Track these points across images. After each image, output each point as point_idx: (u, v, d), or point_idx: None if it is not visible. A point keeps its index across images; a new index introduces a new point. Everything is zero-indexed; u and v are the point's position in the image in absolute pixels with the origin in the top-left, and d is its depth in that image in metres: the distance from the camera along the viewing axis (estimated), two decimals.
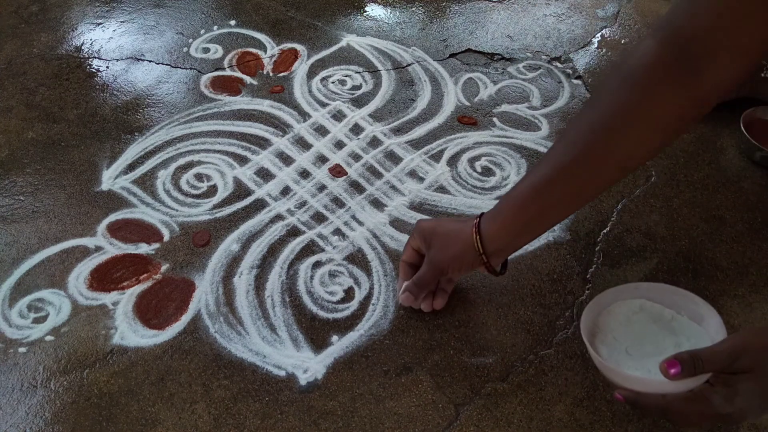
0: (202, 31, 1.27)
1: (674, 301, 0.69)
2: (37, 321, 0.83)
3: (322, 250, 0.90)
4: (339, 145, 1.05)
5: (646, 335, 0.68)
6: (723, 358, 0.56)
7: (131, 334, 0.82)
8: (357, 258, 0.89)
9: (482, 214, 0.74)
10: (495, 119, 1.08)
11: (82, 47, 1.24)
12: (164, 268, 0.88)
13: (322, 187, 0.98)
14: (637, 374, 0.64)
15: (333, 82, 1.15)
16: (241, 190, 0.98)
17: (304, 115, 1.10)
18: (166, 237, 0.92)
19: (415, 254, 0.80)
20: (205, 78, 1.17)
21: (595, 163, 0.65)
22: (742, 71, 0.59)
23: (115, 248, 0.91)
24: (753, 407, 0.55)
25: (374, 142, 1.05)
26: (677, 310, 0.69)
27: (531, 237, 0.76)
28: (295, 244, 0.91)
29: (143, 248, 0.91)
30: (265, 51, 1.22)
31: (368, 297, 0.85)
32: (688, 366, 0.56)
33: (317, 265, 0.89)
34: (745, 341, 0.57)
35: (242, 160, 1.02)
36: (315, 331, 0.81)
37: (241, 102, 1.12)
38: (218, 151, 1.04)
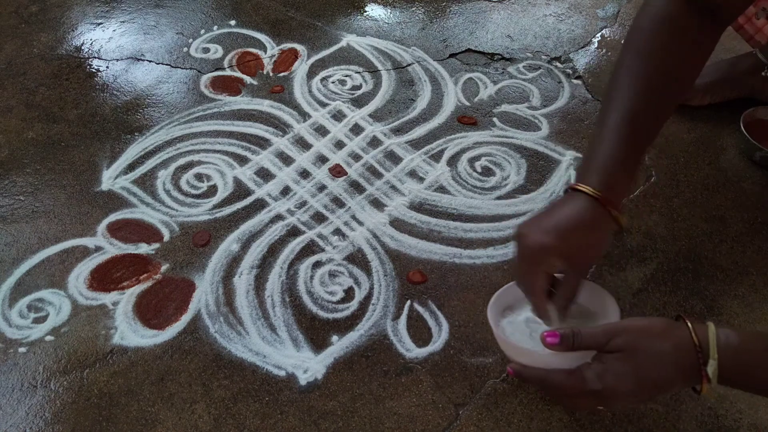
0: (202, 31, 1.27)
1: (582, 294, 0.69)
2: (37, 321, 0.83)
3: (322, 250, 0.90)
4: (339, 145, 1.05)
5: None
6: (600, 336, 0.59)
7: (131, 334, 0.82)
8: (357, 258, 0.89)
9: (572, 186, 0.68)
10: (495, 119, 1.08)
11: (82, 47, 1.24)
12: (164, 268, 0.88)
13: (322, 187, 0.98)
14: (525, 346, 0.66)
15: (333, 82, 1.15)
16: (241, 190, 0.98)
17: (304, 115, 1.10)
18: (166, 237, 0.92)
19: (547, 277, 0.68)
20: (205, 78, 1.17)
21: (662, 85, 0.71)
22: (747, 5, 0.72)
23: (115, 248, 0.91)
24: (622, 388, 0.57)
25: (374, 142, 1.05)
26: (583, 301, 0.70)
27: (634, 170, 0.71)
28: (295, 244, 0.91)
29: (143, 248, 0.91)
30: (265, 51, 1.22)
31: (368, 297, 0.85)
32: (567, 338, 0.59)
33: (317, 265, 0.89)
34: (624, 324, 0.60)
35: (242, 160, 1.02)
36: (315, 331, 0.81)
37: (241, 102, 1.12)
38: (218, 151, 1.04)
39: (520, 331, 0.69)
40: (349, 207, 0.96)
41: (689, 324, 0.57)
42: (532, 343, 0.67)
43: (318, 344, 0.80)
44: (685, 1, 0.69)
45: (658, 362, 0.56)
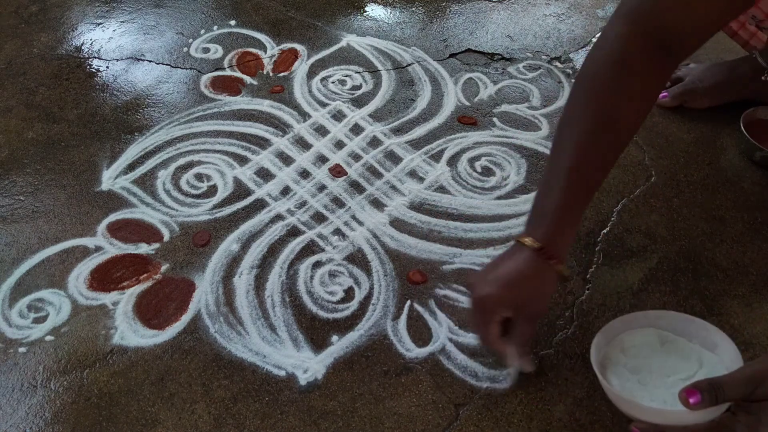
0: (202, 31, 1.27)
1: (685, 329, 0.69)
2: (37, 321, 0.83)
3: (322, 250, 0.90)
4: (339, 145, 1.05)
5: (658, 364, 0.67)
6: (743, 385, 0.55)
7: (131, 334, 0.82)
8: (357, 258, 0.89)
9: (516, 238, 0.71)
10: (495, 119, 1.08)
11: (82, 47, 1.24)
12: (164, 268, 0.88)
13: (322, 187, 0.98)
14: (655, 405, 0.62)
15: (333, 82, 1.15)
16: (241, 190, 0.98)
17: (304, 115, 1.10)
18: (166, 237, 0.92)
19: (500, 324, 0.71)
20: (205, 78, 1.17)
21: (606, 135, 0.70)
22: (702, 43, 0.70)
23: (115, 248, 0.91)
24: None
25: (374, 142, 1.05)
26: (688, 337, 0.69)
27: (578, 220, 0.73)
28: (295, 244, 0.91)
29: (143, 248, 0.91)
30: (265, 51, 1.22)
31: (368, 297, 0.85)
32: (709, 394, 0.55)
33: (317, 265, 0.89)
34: (766, 367, 0.56)
35: (242, 160, 1.03)
36: (315, 331, 0.81)
37: (241, 102, 1.12)
38: (218, 151, 1.04)
39: (629, 381, 0.66)
40: (349, 207, 0.96)
41: None
42: (645, 392, 0.65)
43: (318, 344, 0.80)
44: (639, 40, 0.67)
45: None
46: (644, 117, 0.72)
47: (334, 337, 0.81)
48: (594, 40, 1.23)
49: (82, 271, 0.88)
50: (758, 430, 0.54)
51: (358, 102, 1.12)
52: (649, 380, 0.66)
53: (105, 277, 0.87)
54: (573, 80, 0.81)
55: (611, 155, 0.71)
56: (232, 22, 1.28)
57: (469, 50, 1.21)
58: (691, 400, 0.56)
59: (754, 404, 0.55)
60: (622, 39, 0.68)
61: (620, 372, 0.68)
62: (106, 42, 1.25)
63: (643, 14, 0.66)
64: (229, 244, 0.91)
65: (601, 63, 0.70)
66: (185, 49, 1.23)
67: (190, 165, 1.02)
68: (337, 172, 1.01)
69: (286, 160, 1.03)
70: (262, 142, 1.05)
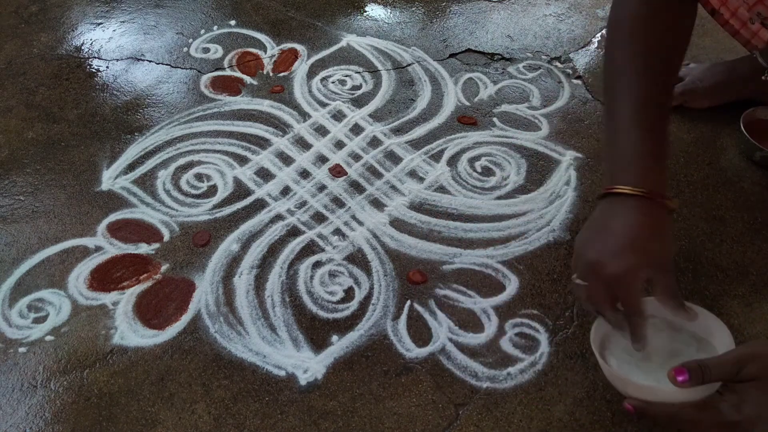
0: (202, 31, 1.27)
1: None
2: (37, 321, 0.83)
3: (322, 250, 0.90)
4: (339, 145, 1.05)
5: (655, 348, 0.68)
6: (730, 366, 0.56)
7: (131, 334, 0.82)
8: (357, 258, 0.89)
9: (612, 189, 0.67)
10: (495, 119, 1.08)
11: (82, 47, 1.24)
12: (164, 268, 0.88)
13: (322, 187, 0.99)
14: (647, 383, 0.63)
15: (333, 82, 1.15)
16: (241, 190, 0.98)
17: (304, 115, 1.10)
18: (166, 237, 0.92)
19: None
20: (205, 78, 1.17)
21: (662, 66, 0.72)
22: None
23: (115, 248, 0.91)
24: (762, 415, 0.55)
25: (374, 142, 1.05)
26: (688, 324, 0.69)
27: (665, 152, 0.71)
28: (295, 244, 0.91)
29: (143, 248, 0.91)
30: (265, 51, 1.22)
31: (368, 297, 0.85)
32: (696, 373, 0.56)
33: (317, 265, 0.89)
34: (753, 350, 0.57)
35: (242, 160, 1.03)
36: (315, 331, 0.81)
37: (241, 102, 1.12)
38: (218, 151, 1.04)
39: (626, 362, 0.67)
40: (349, 207, 0.96)
41: None
42: (641, 373, 0.65)
43: (318, 344, 0.80)
44: None
45: None
46: (688, 40, 0.74)
47: (334, 337, 0.81)
48: (594, 40, 1.24)
49: (82, 271, 0.88)
50: (742, 408, 0.55)
51: (358, 102, 1.12)
52: (645, 362, 0.67)
53: (105, 277, 0.87)
54: (604, 33, 0.84)
55: (671, 81, 0.73)
56: (232, 22, 1.28)
57: (469, 50, 1.21)
58: (679, 378, 0.57)
59: (739, 384, 0.56)
60: None
61: (618, 354, 0.68)
62: (106, 42, 1.25)
63: None
64: (229, 244, 0.91)
65: (629, 9, 0.73)
66: (185, 49, 1.23)
67: (190, 165, 1.02)
68: (337, 172, 1.01)
69: (286, 160, 1.03)
70: (262, 142, 1.05)
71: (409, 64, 1.19)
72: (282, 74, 1.17)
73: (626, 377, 0.64)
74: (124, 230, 0.93)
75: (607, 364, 0.66)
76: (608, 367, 0.65)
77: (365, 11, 1.32)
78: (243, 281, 0.87)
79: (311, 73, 1.17)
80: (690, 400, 0.59)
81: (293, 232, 0.93)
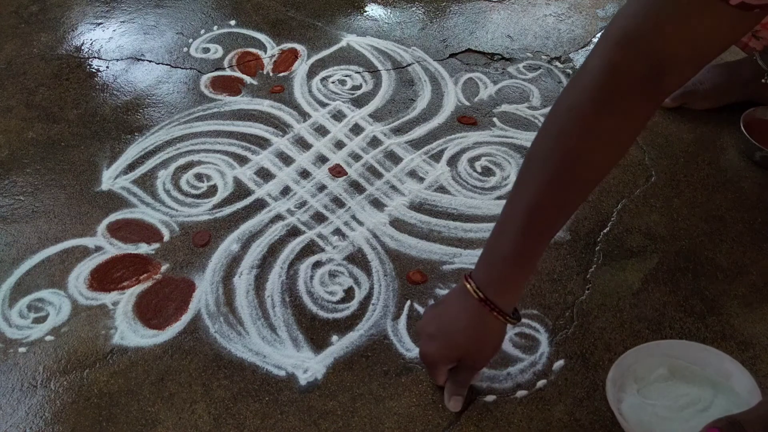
0: (202, 31, 1.27)
1: (698, 357, 0.69)
2: (37, 321, 0.83)
3: (322, 250, 0.90)
4: (339, 145, 1.05)
5: (674, 394, 0.68)
6: (763, 420, 0.56)
7: (131, 334, 0.82)
8: (357, 258, 0.89)
9: (466, 276, 0.69)
10: (495, 119, 1.08)
11: (82, 47, 1.24)
12: (164, 268, 0.88)
13: (322, 187, 0.98)
14: None
15: (333, 82, 1.15)
16: (241, 190, 0.98)
17: (304, 115, 1.10)
18: (166, 237, 0.92)
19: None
20: (205, 78, 1.17)
21: (572, 179, 0.64)
22: (696, 72, 0.61)
23: (115, 248, 0.91)
24: None
25: (374, 142, 1.05)
26: (702, 366, 0.69)
27: (532, 268, 0.69)
28: (295, 244, 0.91)
29: (143, 248, 0.91)
30: (265, 51, 1.22)
31: (368, 297, 0.85)
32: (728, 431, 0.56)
33: (317, 265, 0.89)
34: None
35: (242, 160, 1.02)
36: (315, 331, 0.81)
37: (241, 102, 1.12)
38: (218, 151, 1.04)
39: (645, 412, 0.67)
40: (349, 207, 0.96)
41: None
42: (659, 423, 0.65)
43: (318, 344, 0.80)
44: (633, 66, 0.58)
45: None
46: (615, 162, 0.66)
47: (334, 337, 0.81)
48: (594, 40, 1.24)
49: (82, 271, 0.88)
50: None
51: (358, 102, 1.12)
52: (664, 411, 0.66)
53: (105, 277, 0.87)
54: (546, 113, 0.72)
55: (575, 199, 0.66)
56: (232, 22, 1.28)
57: (469, 50, 1.21)
58: None
59: None
60: (611, 69, 0.58)
61: (636, 404, 0.68)
62: (106, 42, 1.25)
63: (641, 38, 0.57)
64: (229, 244, 0.91)
65: (579, 98, 0.61)
66: (185, 49, 1.23)
67: (190, 165, 1.02)
68: (337, 172, 1.01)
69: (286, 160, 1.03)
70: (262, 142, 1.05)
71: (409, 64, 1.19)
72: (282, 74, 1.17)
73: None
74: (124, 230, 0.93)
75: (624, 418, 0.65)
76: (629, 426, 0.64)
77: (365, 11, 1.32)
78: (243, 281, 0.87)
79: (311, 73, 1.17)
80: None
81: (293, 232, 0.93)
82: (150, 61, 1.21)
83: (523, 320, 0.81)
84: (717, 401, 0.65)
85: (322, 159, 1.03)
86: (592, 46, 1.22)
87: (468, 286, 0.67)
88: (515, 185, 0.67)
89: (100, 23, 1.30)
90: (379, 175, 1.00)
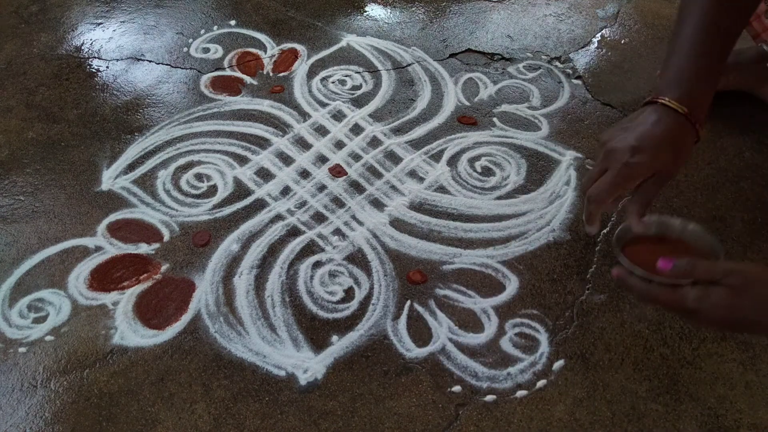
0: (202, 31, 1.27)
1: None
2: (37, 321, 0.83)
3: (322, 250, 0.90)
4: (339, 145, 1.05)
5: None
6: (716, 272, 0.59)
7: (131, 334, 0.82)
8: (357, 258, 0.89)
9: (654, 99, 0.71)
10: (495, 119, 1.08)
11: (82, 47, 1.24)
12: (164, 268, 0.89)
13: (322, 187, 0.99)
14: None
15: (333, 82, 1.15)
16: (241, 190, 0.98)
17: (304, 115, 1.10)
18: (166, 237, 0.92)
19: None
20: (205, 78, 1.17)
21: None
22: None
23: (115, 248, 0.91)
24: (716, 317, 0.58)
25: (374, 142, 1.05)
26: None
27: (717, 81, 0.74)
28: (295, 244, 0.91)
29: (143, 248, 0.91)
30: (265, 51, 1.22)
31: (368, 297, 0.85)
32: (680, 266, 0.60)
33: (317, 265, 0.89)
34: (743, 268, 0.59)
35: (242, 160, 1.03)
36: (315, 331, 0.81)
37: (241, 102, 1.12)
38: (218, 151, 1.04)
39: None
40: (349, 207, 0.96)
41: None
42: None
43: (318, 344, 0.80)
44: None
45: (762, 308, 0.57)
46: None
47: (334, 337, 0.81)
48: (594, 40, 1.24)
49: (82, 271, 0.88)
50: (703, 300, 0.59)
51: (358, 102, 1.12)
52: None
53: (105, 277, 0.87)
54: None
55: (740, 17, 0.72)
56: (232, 22, 1.28)
57: (469, 50, 1.21)
58: (661, 264, 0.61)
59: (713, 285, 0.59)
60: None
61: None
62: (106, 42, 1.25)
63: None
64: (229, 244, 0.91)
65: None
66: (185, 49, 1.23)
67: (190, 165, 1.02)
68: (337, 172, 1.01)
69: (286, 160, 1.03)
70: (262, 142, 1.05)
71: (409, 64, 1.19)
72: (282, 74, 1.17)
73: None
74: (124, 230, 0.93)
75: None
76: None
77: (365, 11, 1.32)
78: (243, 281, 0.87)
79: (311, 73, 1.17)
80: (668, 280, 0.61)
81: (293, 232, 0.93)
82: (150, 61, 1.21)
83: (523, 320, 0.82)
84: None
85: (322, 159, 1.03)
86: (592, 46, 1.22)
87: (671, 102, 0.69)
88: (678, 20, 0.72)
89: (100, 23, 1.30)
90: (379, 175, 1.00)
